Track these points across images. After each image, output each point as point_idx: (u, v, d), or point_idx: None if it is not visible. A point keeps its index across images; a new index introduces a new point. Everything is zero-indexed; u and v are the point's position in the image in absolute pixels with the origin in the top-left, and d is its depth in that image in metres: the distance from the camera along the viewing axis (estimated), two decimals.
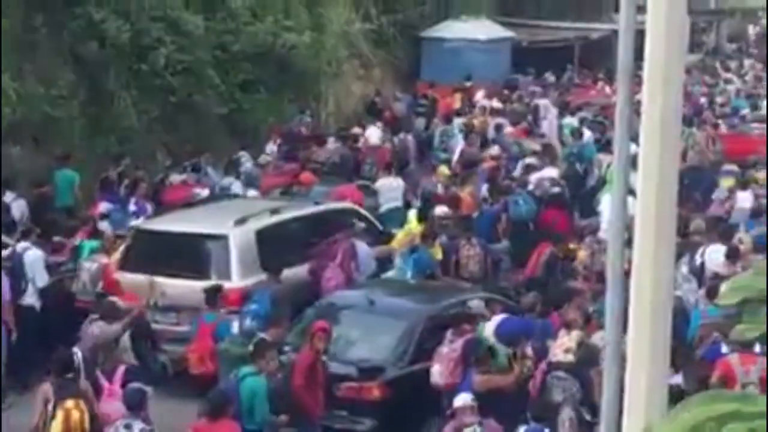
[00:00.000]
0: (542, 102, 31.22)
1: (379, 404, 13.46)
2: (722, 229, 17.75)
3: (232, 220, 16.65)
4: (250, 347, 12.94)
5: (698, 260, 16.56)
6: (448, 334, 13.45)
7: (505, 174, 22.69)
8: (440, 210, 19.21)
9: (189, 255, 16.50)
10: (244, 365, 12.77)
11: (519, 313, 14.45)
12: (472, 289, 16.31)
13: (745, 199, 20.17)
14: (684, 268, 16.17)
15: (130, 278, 16.14)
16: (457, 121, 28.00)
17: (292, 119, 27.91)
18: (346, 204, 19.28)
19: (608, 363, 5.10)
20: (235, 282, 16.03)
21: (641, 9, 4.90)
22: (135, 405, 11.82)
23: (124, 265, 16.63)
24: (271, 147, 25.15)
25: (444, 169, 22.82)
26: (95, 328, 13.88)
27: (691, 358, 13.14)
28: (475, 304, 14.27)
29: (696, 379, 12.60)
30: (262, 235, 16.65)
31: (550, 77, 37.01)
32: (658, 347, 4.62)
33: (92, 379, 12.71)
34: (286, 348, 13.88)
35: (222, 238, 16.46)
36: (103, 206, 19.41)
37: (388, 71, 34.62)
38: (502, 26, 36.75)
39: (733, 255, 16.17)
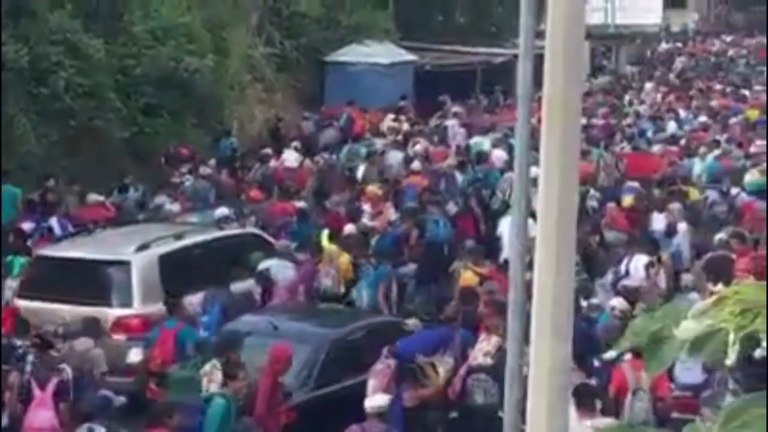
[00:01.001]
0: (450, 123, 31.52)
1: (285, 429, 13.39)
2: (645, 242, 18.51)
3: (134, 246, 16.51)
4: (204, 370, 12.96)
5: (622, 271, 17.30)
6: (384, 350, 13.53)
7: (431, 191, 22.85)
8: (348, 228, 19.29)
9: (90, 281, 16.31)
10: (190, 388, 12.81)
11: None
12: (375, 313, 16.37)
13: (659, 220, 20.63)
14: (609, 277, 17.07)
15: (28, 305, 15.87)
16: (378, 141, 28.26)
17: (217, 143, 28.00)
18: (250, 229, 19.22)
19: (509, 380, 5.12)
20: (137, 308, 15.91)
21: (541, 34, 4.95)
22: (99, 412, 12.10)
23: (24, 291, 16.38)
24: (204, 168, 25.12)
25: (374, 189, 22.82)
26: (79, 345, 14.04)
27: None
28: (411, 322, 14.44)
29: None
30: (165, 261, 16.53)
31: (483, 100, 37.49)
32: (558, 365, 4.64)
33: (86, 397, 12.90)
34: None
35: (124, 264, 16.30)
36: (27, 226, 19.44)
37: (291, 95, 34.61)
38: (405, 50, 36.94)
39: (650, 268, 17.16)
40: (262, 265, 17.17)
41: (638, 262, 17.33)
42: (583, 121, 29.41)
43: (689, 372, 12.89)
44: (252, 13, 33.45)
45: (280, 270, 17.18)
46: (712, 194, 22.77)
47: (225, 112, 29.41)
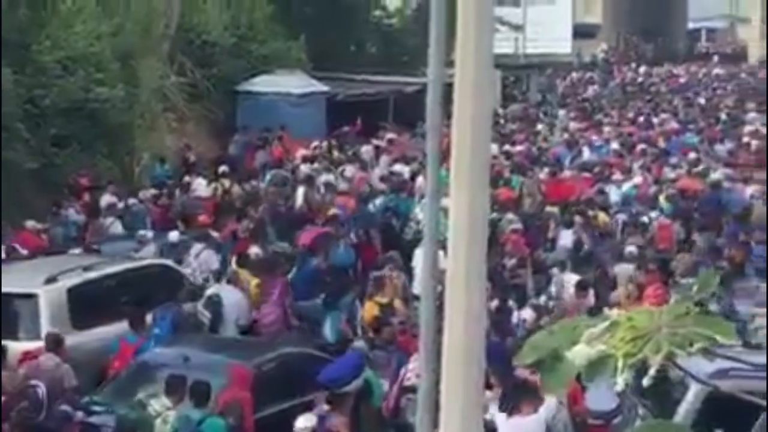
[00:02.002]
0: (364, 149, 31.60)
1: None
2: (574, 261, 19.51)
3: (42, 278, 16.29)
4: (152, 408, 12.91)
5: (553, 289, 18.09)
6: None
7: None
8: (252, 251, 19.28)
9: None
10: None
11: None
12: (289, 343, 16.31)
13: (566, 238, 21.17)
14: (542, 299, 17.82)
15: None
16: (304, 167, 28.28)
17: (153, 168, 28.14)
18: (161, 260, 19.07)
19: (421, 407, 5.05)
20: None
21: (451, 63, 4.92)
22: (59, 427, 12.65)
23: None
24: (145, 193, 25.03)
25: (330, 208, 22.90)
26: (48, 361, 14.00)
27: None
28: (358, 345, 15.01)
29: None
30: (73, 293, 16.36)
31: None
32: (470, 398, 4.60)
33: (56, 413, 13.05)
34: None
35: (31, 297, 16.08)
36: None
37: (203, 125, 34.47)
38: (317, 80, 36.94)
39: (583, 286, 17.59)
40: (211, 290, 17.27)
41: (567, 282, 17.84)
42: (497, 149, 29.76)
43: (601, 398, 12.94)
44: (163, 42, 33.27)
45: (228, 295, 17.20)
46: (621, 216, 23.46)
47: (136, 141, 29.16)
